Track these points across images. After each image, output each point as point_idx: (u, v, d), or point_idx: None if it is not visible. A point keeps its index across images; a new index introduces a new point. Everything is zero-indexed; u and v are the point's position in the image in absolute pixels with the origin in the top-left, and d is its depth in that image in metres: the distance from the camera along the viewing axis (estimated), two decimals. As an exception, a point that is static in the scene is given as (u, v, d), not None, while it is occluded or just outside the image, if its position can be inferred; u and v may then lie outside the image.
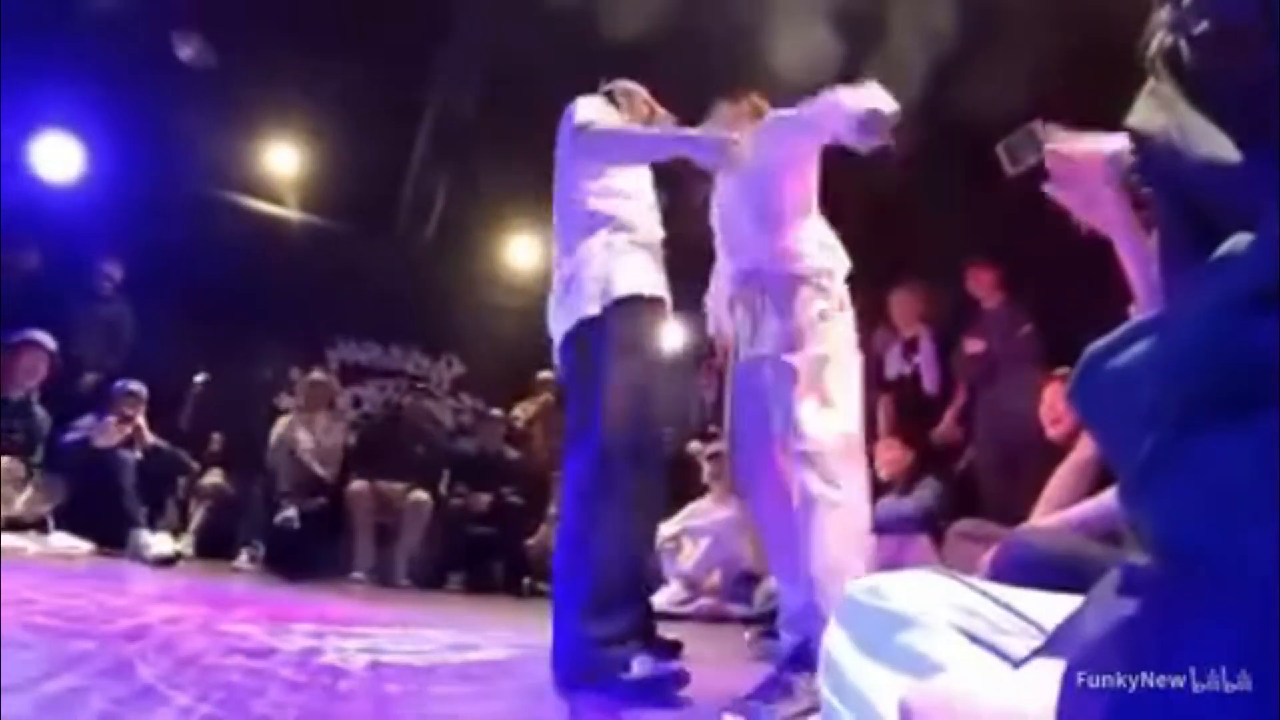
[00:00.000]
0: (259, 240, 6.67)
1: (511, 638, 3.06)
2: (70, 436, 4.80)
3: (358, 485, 5.57)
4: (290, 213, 6.99)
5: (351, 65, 5.40)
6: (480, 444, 6.50)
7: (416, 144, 6.75)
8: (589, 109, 2.45)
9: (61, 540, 4.36)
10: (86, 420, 4.87)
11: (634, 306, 2.34)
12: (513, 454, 6.42)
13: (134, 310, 5.78)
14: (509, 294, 7.58)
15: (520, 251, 7.68)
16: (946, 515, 4.13)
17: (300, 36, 5.37)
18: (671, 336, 4.56)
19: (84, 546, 4.39)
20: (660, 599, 4.85)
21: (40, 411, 4.84)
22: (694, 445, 6.20)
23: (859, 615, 0.87)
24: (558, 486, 6.53)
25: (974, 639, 0.78)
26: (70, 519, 4.56)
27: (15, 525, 4.31)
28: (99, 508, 4.62)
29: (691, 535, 5.24)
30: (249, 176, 6.82)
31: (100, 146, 5.85)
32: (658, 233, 2.54)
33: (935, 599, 0.82)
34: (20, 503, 4.49)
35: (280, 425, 5.59)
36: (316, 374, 6.21)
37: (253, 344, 6.44)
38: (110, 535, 4.57)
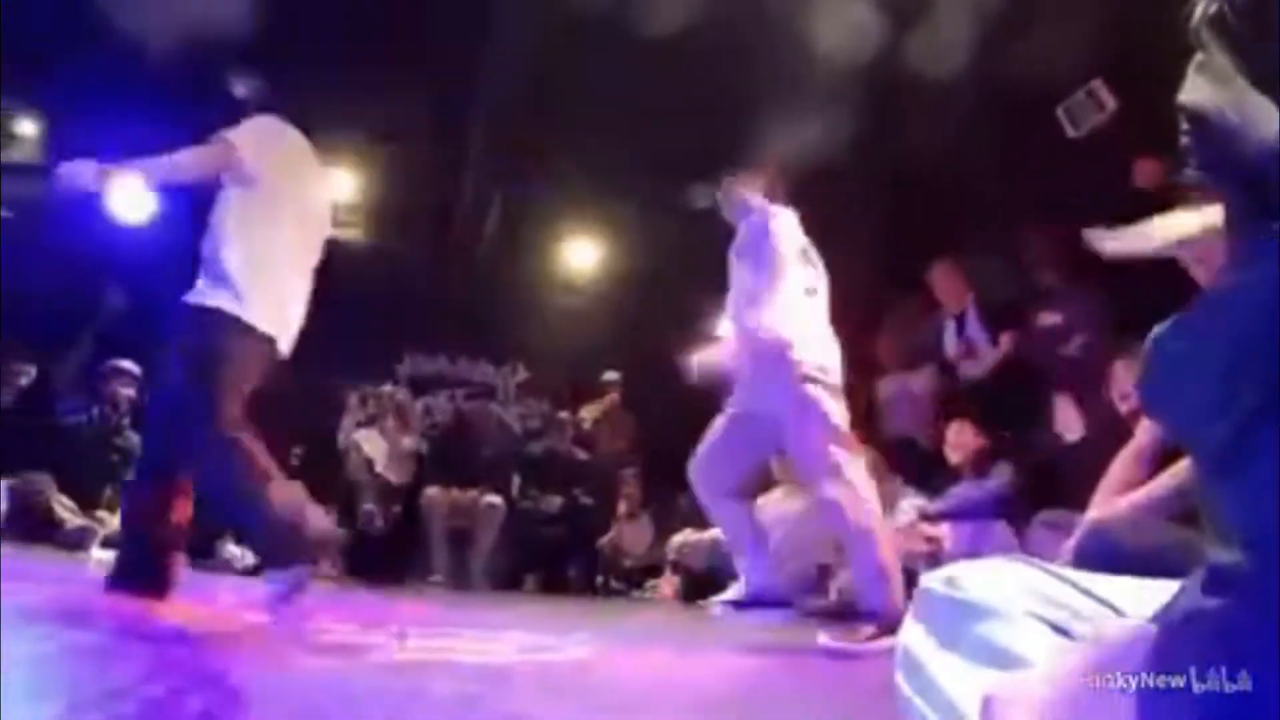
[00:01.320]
0: (328, 264, 6.85)
1: (587, 637, 3.08)
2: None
3: (432, 492, 5.69)
4: (354, 236, 7.19)
5: (398, 84, 5.51)
6: (549, 446, 6.57)
7: (467, 159, 6.85)
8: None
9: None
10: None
11: None
12: (581, 455, 6.48)
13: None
14: (568, 297, 7.65)
15: (576, 255, 7.75)
16: (1025, 500, 4.00)
17: (347, 59, 5.49)
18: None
19: (177, 560, 4.56)
20: (730, 595, 4.83)
21: (133, 435, 5.06)
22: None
23: (936, 607, 0.84)
24: (629, 484, 6.61)
25: (1056, 629, 0.75)
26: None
27: (110, 543, 4.53)
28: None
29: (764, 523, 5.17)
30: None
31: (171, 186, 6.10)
32: None
33: (1014, 587, 0.79)
34: (118, 521, 4.72)
35: (355, 437, 5.76)
36: (387, 387, 6.38)
37: (327, 361, 6.66)
38: (199, 549, 4.75)
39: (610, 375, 7.16)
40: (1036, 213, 4.79)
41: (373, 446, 5.70)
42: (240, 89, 3.41)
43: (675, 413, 7.17)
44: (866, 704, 1.86)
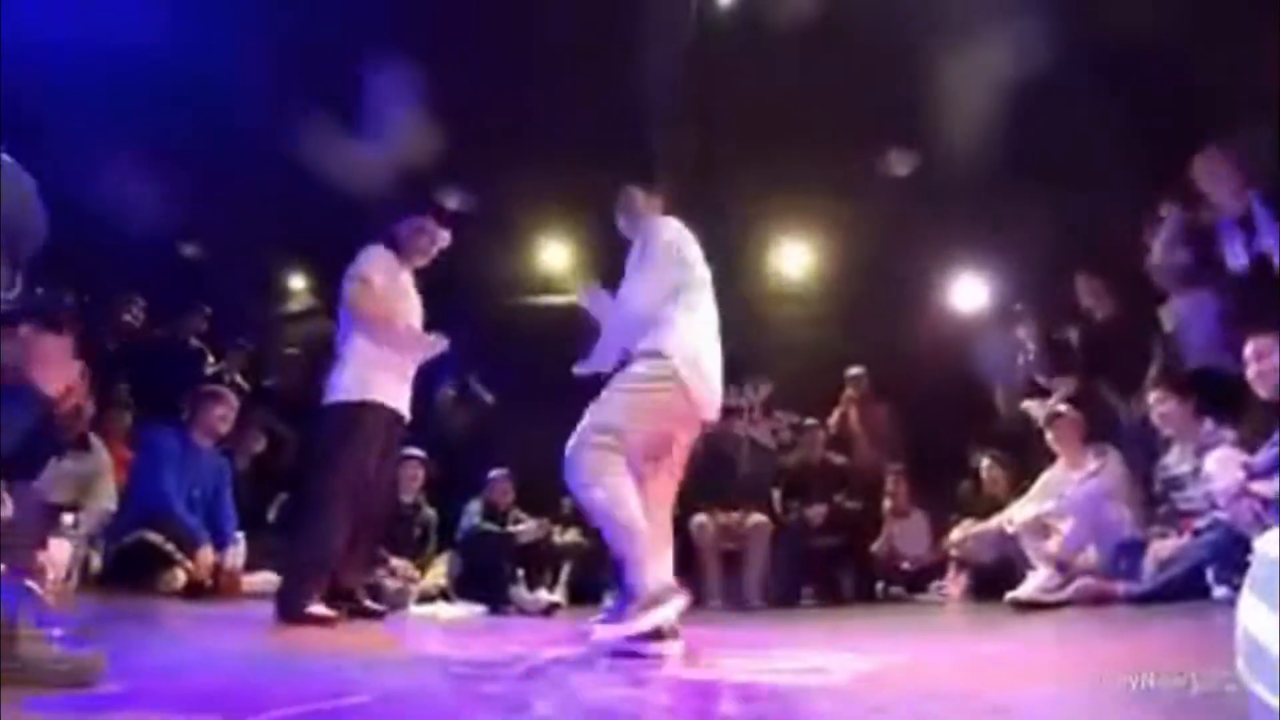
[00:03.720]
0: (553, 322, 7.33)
1: (871, 647, 2.95)
2: (474, 524, 5.60)
3: (699, 519, 5.76)
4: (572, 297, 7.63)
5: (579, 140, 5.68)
6: (803, 456, 6.45)
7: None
8: None
9: (461, 606, 5.03)
10: (473, 505, 5.68)
11: None
12: (838, 459, 6.30)
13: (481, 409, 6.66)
14: (791, 305, 7.56)
15: (789, 262, 7.68)
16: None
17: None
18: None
19: (479, 608, 5.02)
20: (1028, 587, 4.41)
21: (429, 510, 5.71)
22: (1028, 404, 5.63)
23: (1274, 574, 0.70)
24: (893, 481, 6.30)
25: None
26: (463, 588, 5.30)
27: (425, 597, 5.12)
28: (487, 576, 5.32)
29: (1052, 513, 4.66)
30: (531, 278, 7.59)
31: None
32: None
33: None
34: (429, 579, 5.31)
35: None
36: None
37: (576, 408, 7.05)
38: (496, 597, 5.20)
39: (854, 370, 6.93)
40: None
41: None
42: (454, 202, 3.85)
43: (930, 396, 6.80)
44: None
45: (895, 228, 6.42)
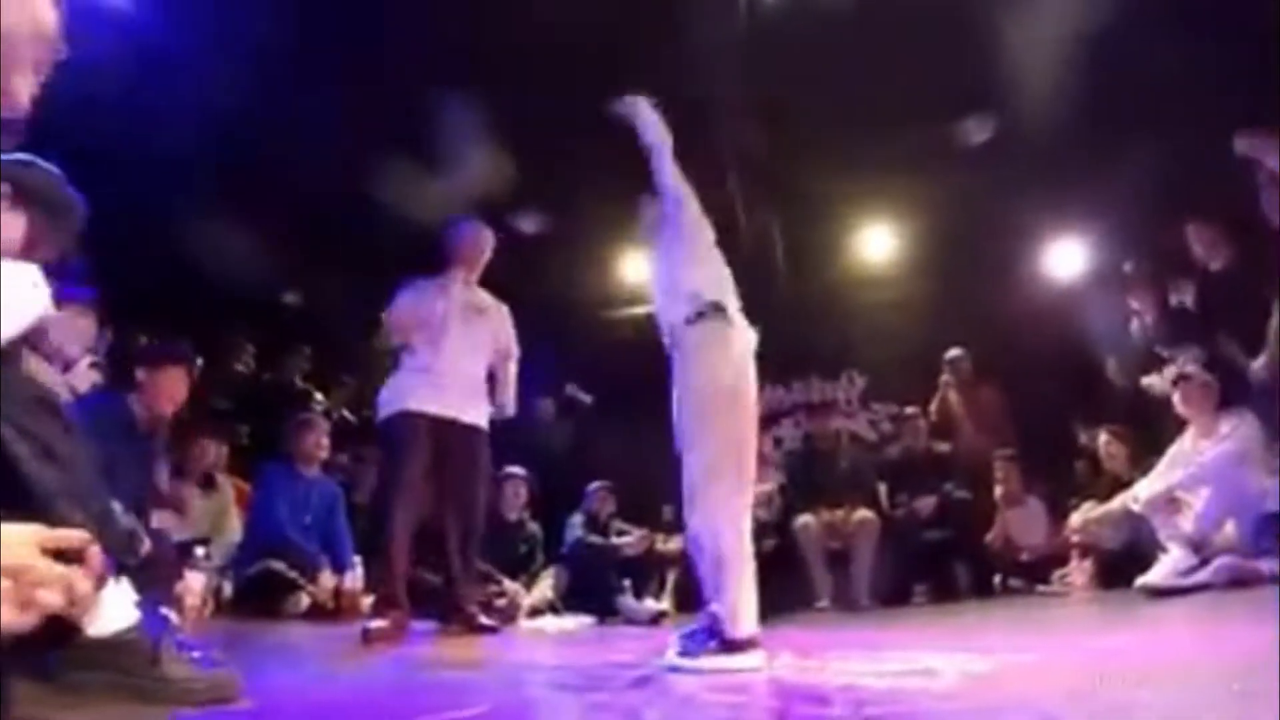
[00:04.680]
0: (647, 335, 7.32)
1: (988, 645, 2.83)
2: (578, 537, 5.67)
3: (805, 519, 5.68)
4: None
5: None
6: (906, 447, 6.29)
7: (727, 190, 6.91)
8: None
9: (570, 618, 5.10)
10: (576, 518, 5.76)
11: None
12: (943, 448, 6.10)
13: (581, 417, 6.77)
14: (877, 291, 7.36)
15: (871, 248, 7.48)
16: None
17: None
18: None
19: (587, 619, 5.08)
20: (1160, 571, 4.15)
21: (533, 526, 5.82)
22: (1149, 380, 5.29)
23: None
24: (1003, 467, 6.03)
25: None
26: (571, 600, 5.38)
27: (534, 611, 5.23)
28: (593, 588, 5.39)
29: (1184, 486, 4.34)
30: (621, 288, 7.67)
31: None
32: None
33: None
34: (536, 594, 5.42)
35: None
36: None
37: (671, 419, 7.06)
38: (604, 607, 5.25)
39: (953, 353, 6.67)
40: None
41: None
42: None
43: (1036, 374, 6.49)
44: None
45: (980, 198, 6.15)
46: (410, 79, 5.21)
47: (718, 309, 2.58)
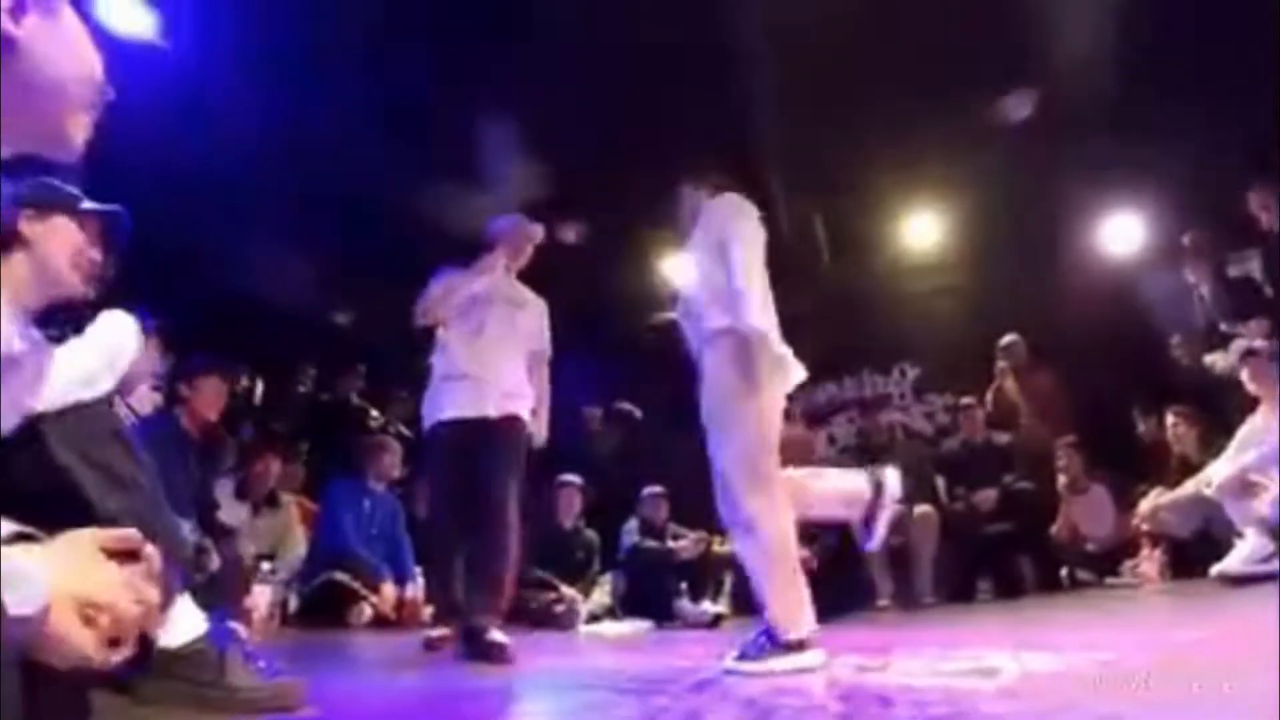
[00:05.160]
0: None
1: (1056, 640, 2.75)
2: (634, 543, 5.68)
3: (860, 516, 5.60)
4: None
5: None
6: (964, 438, 6.16)
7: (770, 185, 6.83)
8: None
9: (628, 623, 5.11)
10: (631, 524, 5.79)
11: None
12: (1003, 438, 5.96)
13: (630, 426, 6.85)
14: (925, 280, 7.21)
15: (916, 237, 7.29)
16: None
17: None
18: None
19: (645, 624, 5.07)
20: (1236, 558, 3.99)
21: (589, 533, 5.87)
22: (1212, 358, 5.09)
23: None
24: (1065, 455, 5.85)
25: None
26: (629, 605, 5.39)
27: (593, 617, 5.27)
28: (650, 592, 5.39)
29: (1257, 468, 4.15)
30: (668, 293, 7.62)
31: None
32: None
33: None
34: (594, 600, 5.45)
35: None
36: (786, 429, 6.51)
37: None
38: (662, 612, 5.24)
39: (1007, 339, 6.49)
40: None
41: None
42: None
43: (1095, 357, 6.26)
44: None
45: (1027, 177, 5.95)
46: (453, 97, 5.29)
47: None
